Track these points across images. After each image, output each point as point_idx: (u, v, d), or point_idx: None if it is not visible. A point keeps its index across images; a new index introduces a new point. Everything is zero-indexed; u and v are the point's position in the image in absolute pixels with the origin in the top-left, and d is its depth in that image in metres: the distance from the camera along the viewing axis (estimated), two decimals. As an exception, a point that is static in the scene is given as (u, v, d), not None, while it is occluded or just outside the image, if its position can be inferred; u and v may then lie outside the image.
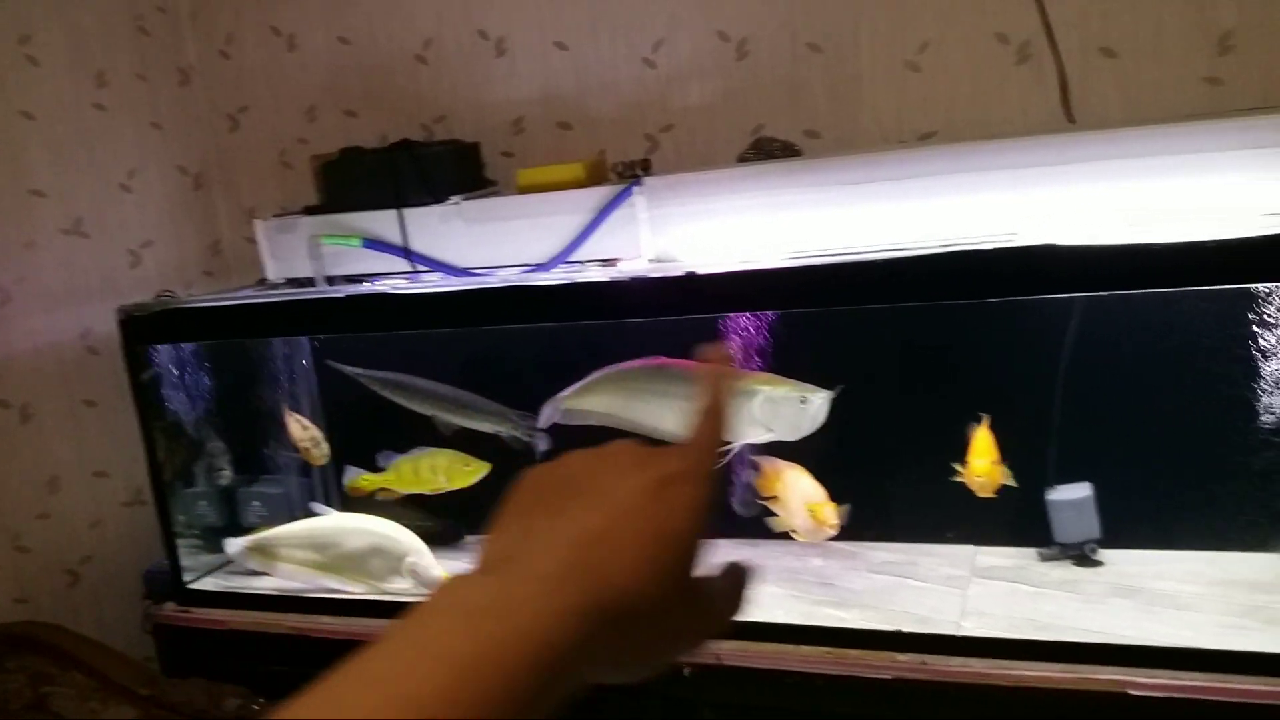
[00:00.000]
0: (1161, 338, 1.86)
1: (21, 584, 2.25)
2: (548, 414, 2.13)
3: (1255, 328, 1.79)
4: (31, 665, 2.04)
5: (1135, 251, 1.55)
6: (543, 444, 2.20)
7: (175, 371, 2.37)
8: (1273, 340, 1.79)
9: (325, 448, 2.28)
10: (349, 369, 2.32)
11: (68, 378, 2.34)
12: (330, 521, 2.20)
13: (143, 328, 2.14)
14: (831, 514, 1.91)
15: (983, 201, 1.80)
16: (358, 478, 2.26)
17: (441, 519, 2.30)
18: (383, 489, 2.25)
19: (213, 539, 2.38)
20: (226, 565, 2.34)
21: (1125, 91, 1.98)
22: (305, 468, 2.37)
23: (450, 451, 2.22)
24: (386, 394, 2.29)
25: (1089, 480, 1.94)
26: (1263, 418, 1.82)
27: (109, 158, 2.43)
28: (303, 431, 2.28)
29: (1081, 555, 1.95)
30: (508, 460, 2.22)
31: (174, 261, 2.59)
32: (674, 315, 1.89)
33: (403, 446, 2.26)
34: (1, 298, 2.22)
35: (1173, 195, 1.69)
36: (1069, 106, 2.00)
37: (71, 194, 2.35)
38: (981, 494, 1.86)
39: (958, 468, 1.89)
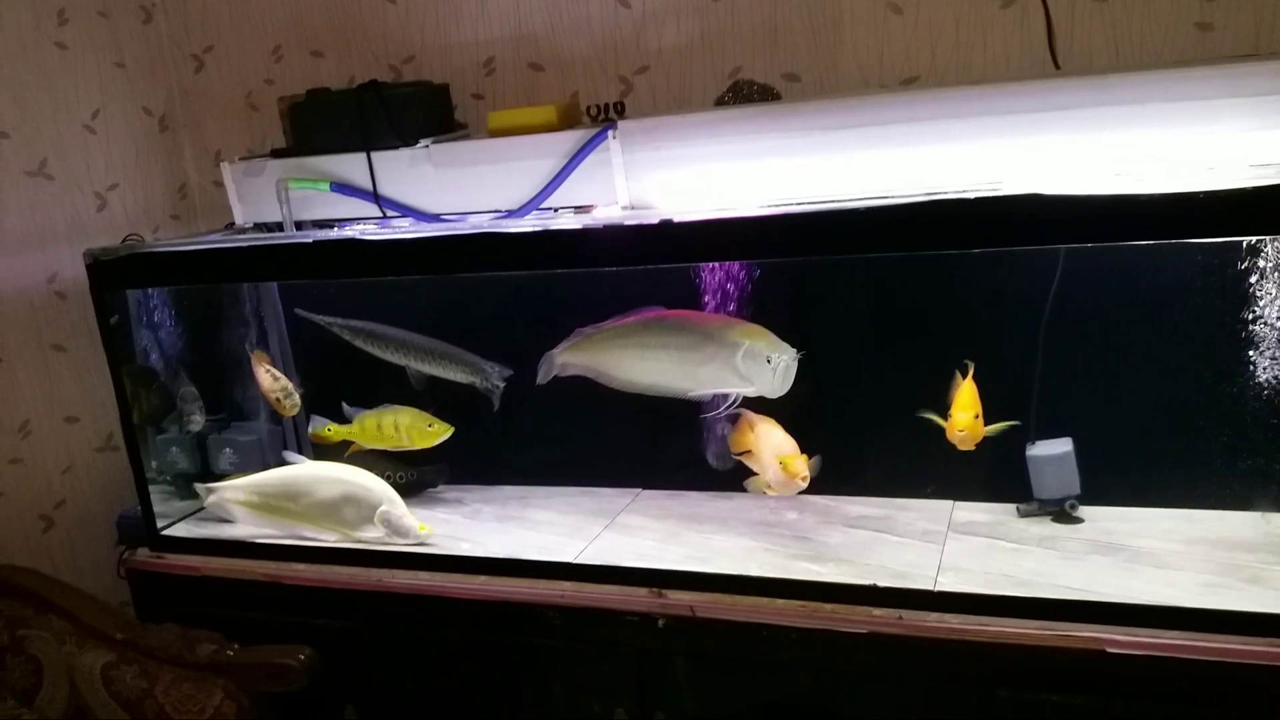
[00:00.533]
0: (1145, 291, 1.82)
1: (-6, 530, 2.23)
2: (544, 370, 2.09)
3: (1241, 282, 1.75)
4: (7, 609, 2.03)
5: (1121, 202, 1.50)
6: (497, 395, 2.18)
7: (145, 317, 2.34)
8: (1259, 295, 1.75)
9: (296, 399, 2.25)
10: (318, 318, 2.28)
11: (36, 322, 2.30)
12: (303, 470, 2.18)
13: (110, 272, 2.09)
14: (802, 466, 1.89)
15: (966, 149, 1.75)
16: (323, 427, 2.25)
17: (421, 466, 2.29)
18: (347, 441, 2.24)
19: (185, 485, 2.36)
20: (199, 511, 2.32)
21: (1113, 37, 1.92)
22: (276, 416, 2.34)
23: (413, 411, 2.21)
24: (358, 343, 2.25)
25: (1069, 436, 1.91)
26: (1245, 374, 1.79)
27: (72, 98, 2.36)
28: (273, 382, 2.25)
29: (1061, 511, 1.93)
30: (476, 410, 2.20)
31: (141, 205, 2.52)
32: (650, 264, 1.85)
33: (373, 398, 2.24)
34: (-36, 241, 2.17)
35: (1161, 144, 1.64)
36: (1055, 52, 1.94)
37: (35, 135, 2.28)
38: (962, 448, 1.84)
39: (938, 420, 1.86)
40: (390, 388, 2.23)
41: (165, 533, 2.26)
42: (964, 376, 1.85)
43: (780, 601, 1.79)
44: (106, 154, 2.44)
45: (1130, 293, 1.83)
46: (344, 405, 2.25)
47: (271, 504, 2.17)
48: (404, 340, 2.24)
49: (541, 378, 2.09)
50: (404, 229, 2.06)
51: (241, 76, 2.55)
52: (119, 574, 2.29)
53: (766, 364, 1.84)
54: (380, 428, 2.22)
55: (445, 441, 2.20)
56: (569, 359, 2.07)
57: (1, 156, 2.22)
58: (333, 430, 2.24)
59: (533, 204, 2.02)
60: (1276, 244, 1.71)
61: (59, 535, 2.36)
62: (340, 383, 2.32)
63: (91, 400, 2.40)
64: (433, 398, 2.23)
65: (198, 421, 2.32)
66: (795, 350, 1.85)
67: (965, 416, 1.82)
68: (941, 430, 1.86)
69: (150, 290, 2.32)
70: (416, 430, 2.20)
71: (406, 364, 2.24)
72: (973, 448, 1.84)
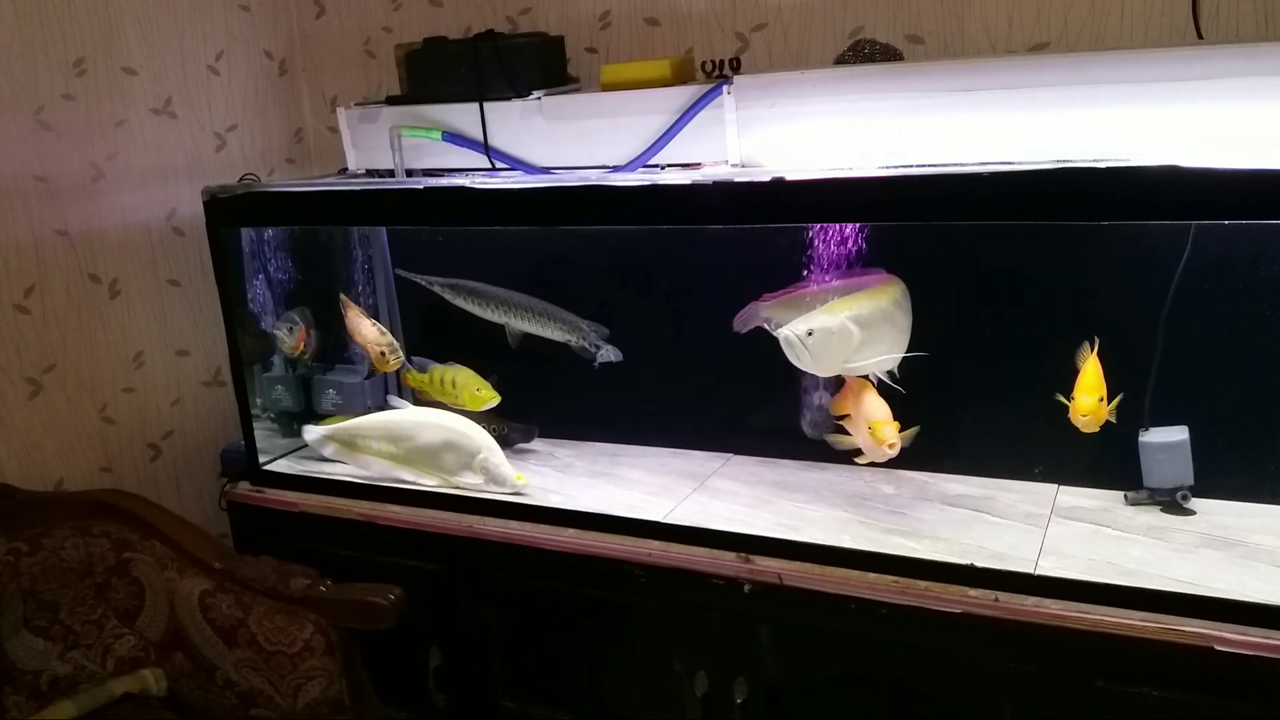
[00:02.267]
0: (1275, 274, 1.72)
1: (108, 454, 2.32)
2: (742, 320, 2.02)
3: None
4: (115, 532, 2.11)
5: (1263, 178, 1.42)
6: (610, 355, 2.17)
7: (260, 263, 2.39)
8: None
9: (400, 354, 2.28)
10: (418, 277, 2.31)
11: (154, 256, 2.38)
12: (407, 415, 2.22)
13: (225, 209, 2.15)
14: (891, 433, 1.85)
15: (1098, 118, 1.67)
16: (407, 370, 2.31)
17: (507, 423, 2.31)
18: (421, 389, 2.30)
19: (287, 423, 2.42)
20: (300, 449, 2.38)
21: (1263, 5, 1.81)
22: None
23: (469, 372, 2.26)
24: (458, 301, 2.28)
25: (1186, 423, 1.83)
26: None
27: (198, 39, 2.42)
28: (380, 337, 2.28)
29: (1172, 501, 1.85)
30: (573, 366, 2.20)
31: (258, 147, 2.58)
32: (759, 223, 1.81)
33: (471, 352, 2.28)
34: (94, 174, 2.24)
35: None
36: (1198, 19, 1.84)
37: (162, 73, 2.35)
38: (1085, 430, 1.77)
39: (1063, 400, 1.79)
40: (489, 345, 2.26)
41: (266, 468, 2.32)
42: (1090, 353, 1.78)
43: (871, 575, 1.75)
44: (228, 95, 2.50)
45: (1262, 276, 1.74)
46: (413, 359, 2.32)
47: (374, 446, 2.22)
48: (503, 298, 2.26)
49: (739, 326, 2.03)
50: (513, 179, 2.06)
51: (360, 23, 2.58)
52: (220, 506, 2.36)
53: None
54: (442, 382, 2.28)
55: (542, 397, 2.21)
56: (774, 314, 1.99)
57: (129, 93, 2.29)
58: (412, 377, 2.30)
59: (642, 159, 2.01)
60: None
61: (165, 465, 2.45)
62: (442, 339, 2.35)
63: (202, 335, 2.48)
64: (530, 355, 2.25)
65: (285, 342, 2.36)
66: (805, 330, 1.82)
67: (1090, 400, 1.75)
68: (1049, 410, 1.80)
69: (266, 237, 2.37)
70: (467, 392, 2.25)
71: (505, 321, 2.25)
72: (1096, 429, 1.77)
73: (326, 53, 2.65)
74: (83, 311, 2.24)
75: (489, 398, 2.25)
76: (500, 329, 2.27)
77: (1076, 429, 1.80)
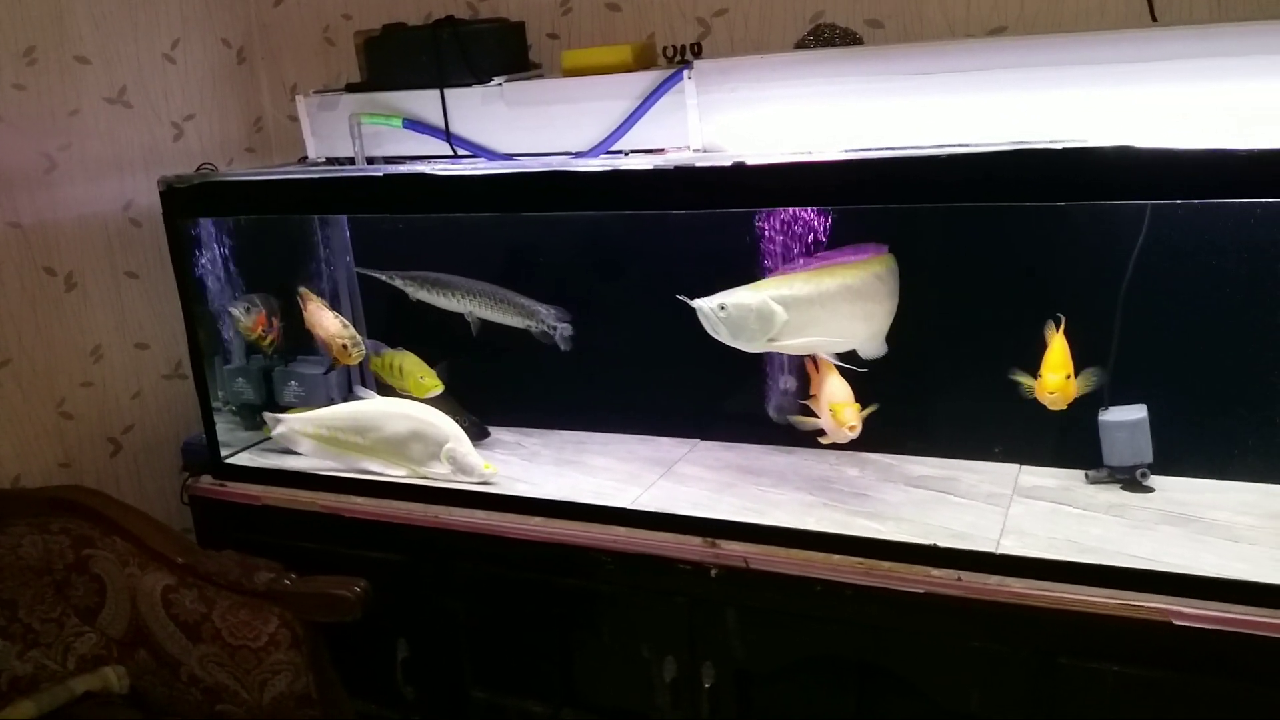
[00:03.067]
0: (1233, 255, 1.75)
1: (66, 449, 2.28)
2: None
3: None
4: (75, 528, 2.08)
5: (1215, 158, 1.43)
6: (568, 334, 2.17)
7: (219, 256, 2.36)
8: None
9: (362, 348, 2.26)
10: (377, 273, 2.31)
11: (111, 248, 2.34)
12: (373, 405, 2.21)
13: (183, 200, 2.12)
14: (851, 415, 1.87)
15: (1054, 99, 1.68)
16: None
17: (468, 415, 2.30)
18: (375, 371, 2.32)
19: (249, 415, 2.40)
20: (262, 442, 2.36)
21: (1218, -12, 1.83)
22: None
23: (415, 359, 2.27)
24: (419, 294, 2.27)
25: (1143, 402, 1.85)
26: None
27: (153, 26, 2.38)
28: (342, 330, 2.25)
29: (1131, 480, 1.88)
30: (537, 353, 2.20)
31: (216, 136, 2.55)
32: (721, 208, 1.81)
33: (434, 341, 2.30)
34: (47, 165, 2.20)
35: (1264, 99, 1.56)
36: (1153, 2, 1.86)
37: (116, 62, 2.31)
38: (1053, 408, 1.79)
39: (1023, 380, 1.81)
40: (448, 333, 2.26)
41: (228, 461, 2.29)
42: (1056, 331, 1.80)
43: (836, 557, 1.76)
44: (184, 84, 2.46)
45: (1217, 256, 1.76)
46: (370, 343, 2.34)
47: (340, 437, 2.20)
48: (460, 286, 2.25)
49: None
50: (475, 165, 2.05)
51: (319, 10, 2.55)
52: (182, 500, 2.34)
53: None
54: (390, 367, 2.28)
55: (505, 385, 2.21)
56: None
57: (83, 82, 2.25)
58: (373, 361, 2.31)
59: (604, 145, 2.00)
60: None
61: (126, 459, 2.41)
62: (406, 328, 2.33)
63: (161, 328, 2.45)
64: (494, 344, 2.24)
65: (241, 321, 2.33)
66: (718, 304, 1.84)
67: (1056, 377, 1.76)
68: (1010, 391, 1.82)
69: (226, 227, 2.34)
70: (411, 379, 2.26)
71: (464, 309, 2.25)
72: (1064, 407, 1.79)
73: (285, 40, 2.62)
74: (38, 305, 2.20)
75: (432, 385, 2.25)
76: (463, 318, 2.26)
77: (1037, 409, 1.82)
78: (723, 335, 1.86)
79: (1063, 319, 1.79)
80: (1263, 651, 1.50)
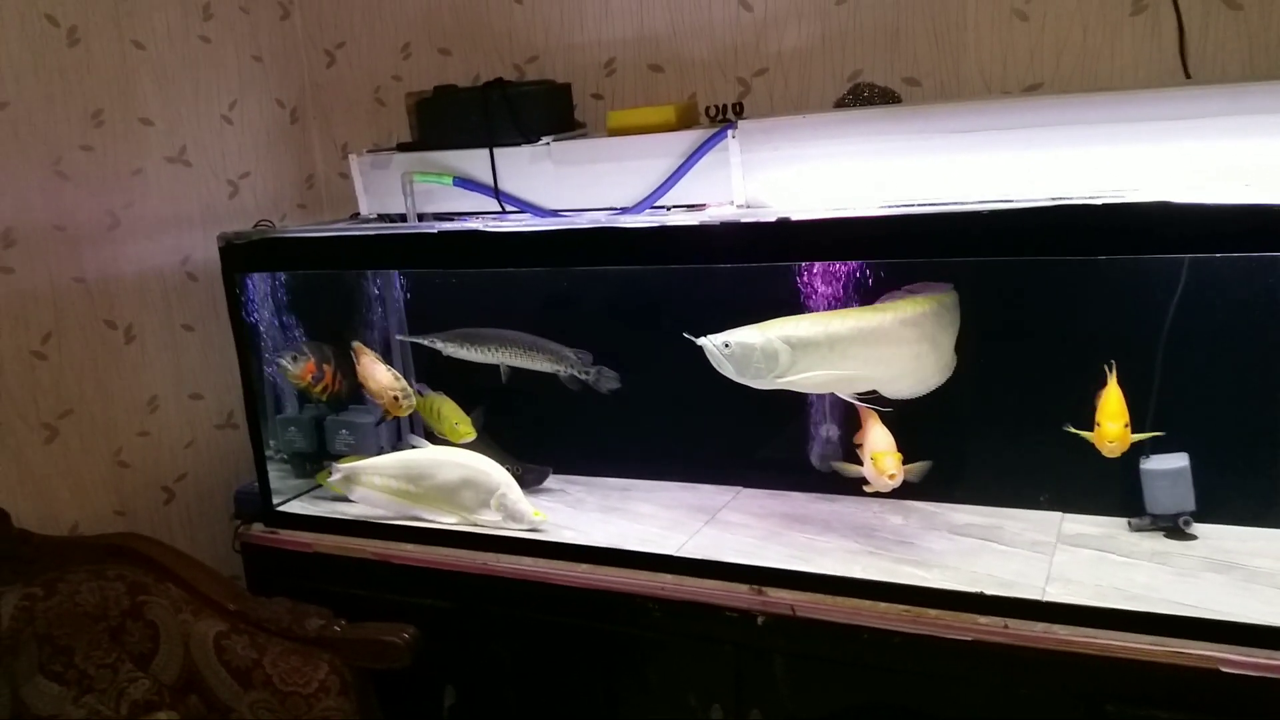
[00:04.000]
0: (1272, 305, 1.78)
1: (122, 497, 2.34)
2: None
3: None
4: (130, 575, 2.13)
5: (1252, 212, 1.48)
6: (607, 379, 2.23)
7: (272, 304, 2.43)
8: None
9: (413, 400, 2.32)
10: (418, 338, 2.39)
11: (168, 302, 2.42)
12: (425, 454, 2.25)
13: (241, 255, 2.19)
14: (891, 464, 1.90)
15: (1091, 156, 1.73)
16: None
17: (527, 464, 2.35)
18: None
19: (300, 464, 2.45)
20: (314, 490, 2.41)
21: (1248, 47, 1.88)
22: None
23: (452, 405, 2.34)
24: (458, 352, 2.34)
25: (1186, 450, 1.87)
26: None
27: (212, 89, 2.48)
28: (394, 383, 2.31)
29: (1175, 528, 1.89)
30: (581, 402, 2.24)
31: (270, 193, 2.64)
32: (765, 262, 1.87)
33: (479, 390, 2.37)
34: (110, 222, 2.29)
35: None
36: (1186, 60, 1.91)
37: (177, 123, 2.41)
38: (1110, 455, 1.81)
39: (1075, 431, 1.84)
40: (492, 383, 2.33)
41: (280, 509, 2.35)
42: (1109, 380, 1.83)
43: (883, 605, 1.78)
44: (240, 143, 2.56)
45: (1256, 306, 1.79)
46: (414, 384, 2.39)
47: (393, 485, 2.25)
48: (491, 337, 2.32)
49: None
50: (525, 221, 2.11)
51: (370, 72, 2.65)
52: (234, 548, 2.39)
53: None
54: (430, 410, 2.34)
55: (551, 433, 2.25)
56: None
57: (146, 142, 2.35)
58: (416, 400, 2.36)
59: (649, 200, 2.06)
60: None
61: (179, 507, 2.47)
62: (455, 375, 2.39)
63: (215, 379, 2.52)
64: (538, 392, 2.30)
65: (289, 371, 2.38)
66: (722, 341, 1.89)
67: (1116, 426, 1.79)
68: (1053, 439, 1.85)
69: (280, 285, 2.41)
70: (447, 424, 2.31)
71: (497, 361, 2.31)
72: (1120, 454, 1.81)
73: (336, 101, 2.71)
74: (99, 357, 2.28)
75: (466, 433, 2.30)
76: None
77: (1080, 457, 1.84)
78: (729, 372, 1.91)
79: (1114, 366, 1.82)
80: (1313, 700, 1.51)
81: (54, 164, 2.17)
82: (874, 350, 1.90)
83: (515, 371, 2.31)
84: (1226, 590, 1.69)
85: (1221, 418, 1.85)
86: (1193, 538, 1.88)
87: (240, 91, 2.55)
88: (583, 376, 2.25)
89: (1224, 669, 1.55)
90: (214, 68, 2.48)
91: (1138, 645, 1.60)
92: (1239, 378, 1.84)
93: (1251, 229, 1.49)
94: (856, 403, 1.97)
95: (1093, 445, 1.83)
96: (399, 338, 2.46)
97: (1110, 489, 1.95)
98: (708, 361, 1.93)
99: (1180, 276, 1.80)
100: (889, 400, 1.95)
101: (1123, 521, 1.95)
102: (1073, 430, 1.84)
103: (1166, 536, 1.89)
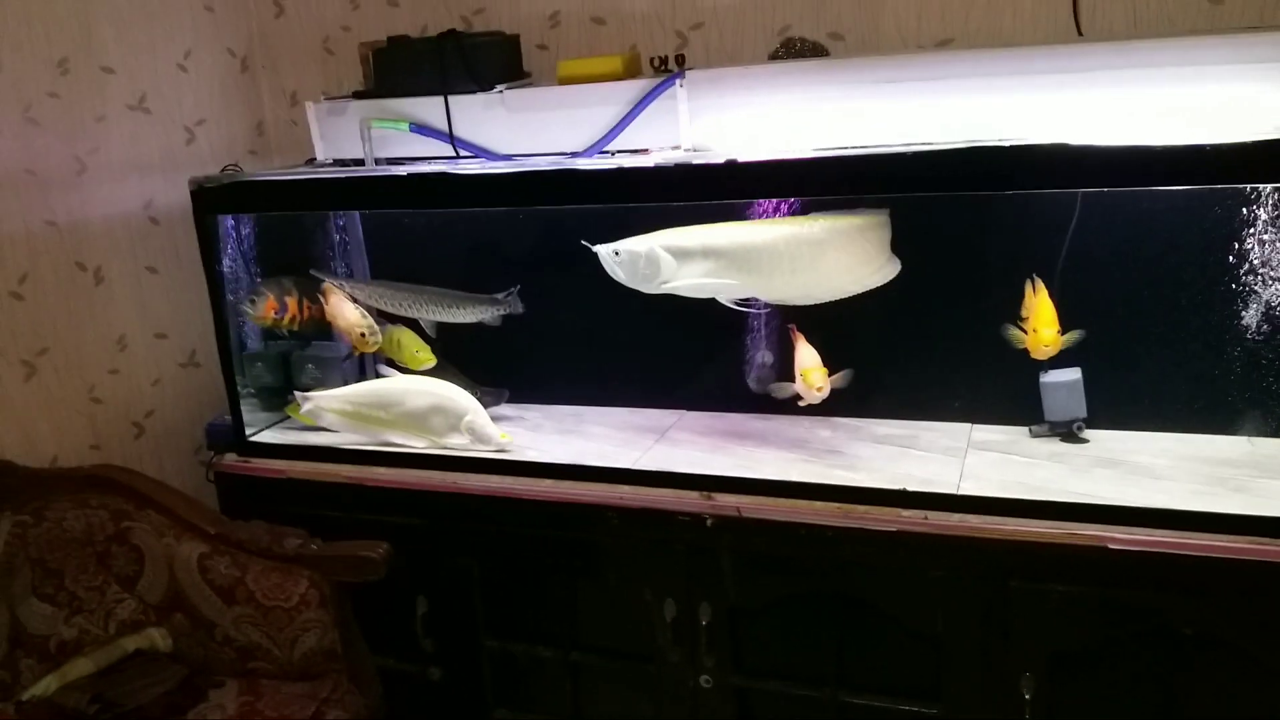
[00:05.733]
0: (1154, 235, 2.03)
1: (96, 432, 2.44)
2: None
3: (1236, 228, 1.97)
4: (112, 503, 2.24)
5: (1136, 152, 1.71)
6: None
7: (239, 246, 2.53)
8: (1251, 241, 1.97)
9: (379, 336, 2.43)
10: (327, 278, 2.48)
11: (133, 245, 2.50)
12: (394, 383, 2.40)
13: (213, 198, 2.29)
14: (819, 379, 2.12)
15: (995, 104, 1.95)
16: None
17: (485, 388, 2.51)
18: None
19: (268, 398, 2.57)
20: (283, 420, 2.54)
21: (1133, 8, 2.12)
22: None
23: (411, 334, 2.46)
24: (372, 302, 2.45)
25: (1079, 365, 2.13)
26: (1237, 314, 2.01)
27: (168, 37, 2.55)
28: (360, 320, 2.42)
29: (1069, 433, 2.15)
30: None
31: (224, 140, 2.72)
32: (715, 200, 2.05)
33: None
34: (78, 167, 2.36)
35: (1171, 104, 1.85)
36: (1079, 20, 2.14)
37: (137, 71, 2.48)
38: (1042, 358, 2.04)
39: (1015, 335, 2.05)
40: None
41: (253, 439, 2.47)
42: (1034, 291, 2.05)
43: (818, 504, 2.01)
44: (195, 91, 2.63)
45: (1138, 238, 2.05)
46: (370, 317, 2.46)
47: (364, 413, 2.39)
48: (411, 292, 2.44)
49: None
50: (491, 165, 2.25)
51: (319, 22, 2.73)
52: (207, 477, 2.50)
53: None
54: (391, 341, 2.46)
55: (506, 364, 2.41)
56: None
57: (108, 90, 2.42)
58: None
59: (599, 145, 2.22)
60: (1272, 195, 1.93)
61: (148, 441, 2.57)
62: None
63: (178, 319, 2.62)
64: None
65: (250, 314, 2.47)
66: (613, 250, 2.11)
67: (1050, 332, 2.01)
68: (963, 358, 2.09)
69: (243, 229, 2.51)
70: (408, 352, 2.45)
71: (417, 316, 2.45)
72: (1051, 356, 2.04)
73: (285, 50, 2.79)
74: (71, 298, 2.36)
75: (426, 359, 2.44)
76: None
77: (987, 374, 2.13)
78: (621, 278, 2.14)
79: (1039, 280, 2.05)
80: (1183, 568, 1.78)
81: (24, 110, 2.23)
82: (751, 261, 2.09)
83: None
84: (1113, 482, 1.96)
85: (1110, 336, 2.10)
86: (1085, 441, 2.15)
87: (194, 41, 2.62)
88: (509, 308, 2.41)
89: (1111, 545, 1.81)
90: (169, 17, 2.55)
91: (1038, 529, 1.86)
92: (1126, 302, 2.09)
93: (1138, 166, 1.72)
94: (739, 308, 2.15)
95: (1000, 361, 2.08)
96: (312, 272, 2.51)
97: (1013, 401, 2.21)
98: (649, 295, 2.12)
99: (1075, 209, 2.04)
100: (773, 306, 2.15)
101: (1024, 429, 2.21)
102: (1011, 330, 2.06)
103: (1062, 440, 2.16)
